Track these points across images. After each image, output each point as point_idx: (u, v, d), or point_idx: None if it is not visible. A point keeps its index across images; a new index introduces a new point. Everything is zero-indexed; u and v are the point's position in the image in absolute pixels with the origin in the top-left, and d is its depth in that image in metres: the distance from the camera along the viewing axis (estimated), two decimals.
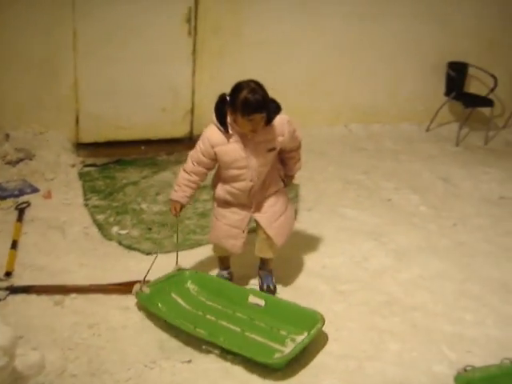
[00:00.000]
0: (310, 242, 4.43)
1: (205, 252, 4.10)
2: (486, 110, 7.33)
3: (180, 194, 3.56)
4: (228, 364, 3.08)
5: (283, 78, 6.54)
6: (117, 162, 5.88)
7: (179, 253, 3.76)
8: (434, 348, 3.36)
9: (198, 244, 4.33)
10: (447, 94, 7.27)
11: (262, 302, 3.48)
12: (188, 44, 6.19)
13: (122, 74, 6.03)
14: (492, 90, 7.21)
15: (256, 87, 3.22)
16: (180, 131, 6.47)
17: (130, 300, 3.52)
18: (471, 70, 7.44)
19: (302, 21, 6.64)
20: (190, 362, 3.08)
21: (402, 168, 6.05)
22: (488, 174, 6.07)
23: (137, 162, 5.89)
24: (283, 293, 3.74)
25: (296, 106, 6.73)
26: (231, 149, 3.40)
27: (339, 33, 6.87)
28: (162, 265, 3.65)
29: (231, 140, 3.38)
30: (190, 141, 6.18)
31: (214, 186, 3.67)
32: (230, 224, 3.61)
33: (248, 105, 3.18)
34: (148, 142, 6.29)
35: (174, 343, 3.22)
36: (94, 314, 3.42)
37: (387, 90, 7.26)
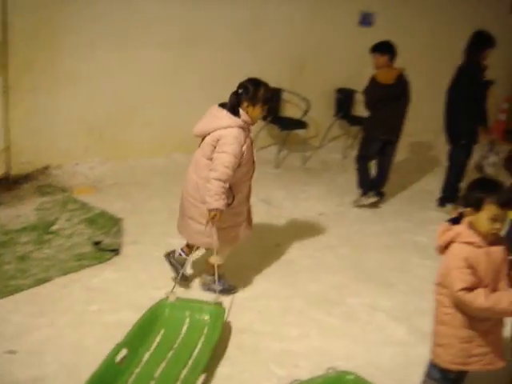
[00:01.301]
0: (135, 276, 4.34)
1: (26, 298, 3.90)
2: (301, 132, 7.65)
3: (222, 202, 3.74)
4: None
5: (99, 111, 6.43)
6: None
7: None
8: (262, 367, 3.43)
9: (20, 289, 4.09)
10: (264, 118, 7.51)
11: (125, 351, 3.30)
12: None
13: None
14: (305, 113, 7.56)
15: (265, 82, 3.96)
16: None
17: None
18: (285, 95, 7.77)
19: (116, 53, 6.55)
20: None
21: None
22: (306, 192, 6.34)
23: None
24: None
25: (115, 138, 6.67)
26: (249, 144, 3.90)
27: (155, 62, 6.84)
28: None
29: (247, 136, 3.86)
30: (7, 181, 5.85)
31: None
32: (242, 219, 4.08)
33: (269, 95, 3.91)
34: None
35: None
36: None
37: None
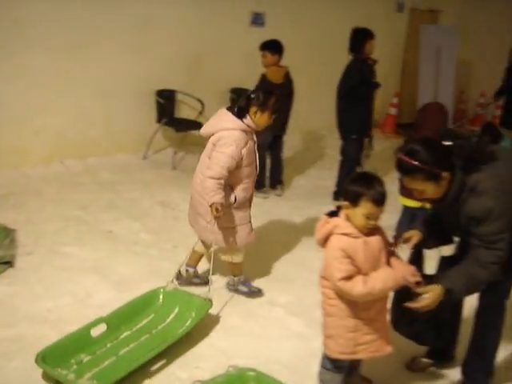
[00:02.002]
0: (31, 288, 4.22)
1: None
2: (197, 133, 7.59)
3: (219, 196, 3.88)
4: None
5: None
6: None
7: None
8: (164, 370, 3.41)
9: None
10: (159, 120, 7.47)
11: (104, 327, 3.57)
12: None
13: None
14: (200, 113, 7.58)
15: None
16: None
17: None
18: (179, 96, 7.75)
19: (1, 60, 6.34)
20: None
21: (121, 198, 6.07)
22: None
23: None
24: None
25: (4, 146, 6.45)
26: (250, 148, 4.01)
27: (43, 69, 6.67)
28: None
29: (249, 139, 3.98)
30: None
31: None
32: (249, 220, 4.21)
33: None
34: None
35: None
36: None
37: (100, 123, 7.27)
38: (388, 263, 2.85)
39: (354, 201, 2.70)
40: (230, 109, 4.09)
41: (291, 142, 8.92)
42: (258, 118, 4.01)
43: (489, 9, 11.86)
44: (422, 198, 2.87)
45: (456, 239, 3.23)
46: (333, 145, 7.39)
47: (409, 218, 5.30)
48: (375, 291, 2.68)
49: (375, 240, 2.78)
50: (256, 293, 4.36)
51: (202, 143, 7.42)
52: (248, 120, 3.99)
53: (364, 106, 6.19)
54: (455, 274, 2.84)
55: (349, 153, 6.38)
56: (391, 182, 6.61)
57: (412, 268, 2.85)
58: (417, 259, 3.06)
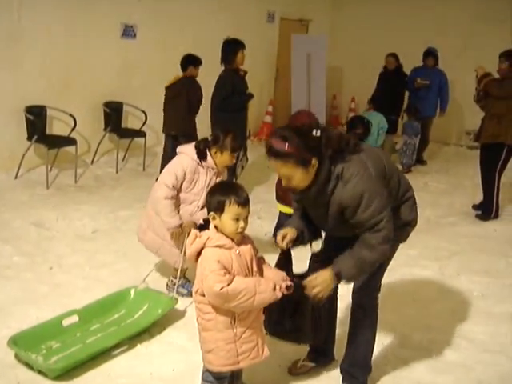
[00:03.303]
0: None
1: None
2: (71, 149, 7.44)
3: (176, 217, 4.21)
4: None
5: None
6: None
7: None
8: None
9: None
10: (30, 138, 7.20)
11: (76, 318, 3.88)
12: None
13: None
14: (73, 129, 7.40)
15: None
16: None
17: None
18: (50, 112, 7.51)
19: None
20: None
21: None
22: (80, 210, 6.19)
23: None
24: None
25: None
26: (197, 177, 4.30)
27: None
28: None
29: (197, 171, 4.28)
30: None
31: None
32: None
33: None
34: None
35: None
36: None
37: None
38: (260, 271, 2.89)
39: (218, 209, 2.73)
40: (196, 144, 4.30)
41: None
42: (218, 158, 4.23)
43: (356, 17, 12.36)
44: (289, 185, 2.87)
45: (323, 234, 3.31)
46: None
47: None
48: (259, 289, 2.70)
49: (247, 249, 2.82)
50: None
51: (77, 159, 7.38)
52: (210, 160, 4.23)
53: (238, 117, 6.28)
54: (344, 257, 2.91)
55: None
56: (267, 190, 6.86)
57: (282, 273, 2.91)
58: (286, 261, 3.11)
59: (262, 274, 2.92)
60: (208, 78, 6.63)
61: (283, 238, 3.08)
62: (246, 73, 6.38)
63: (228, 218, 2.73)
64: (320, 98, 10.58)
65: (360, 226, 2.86)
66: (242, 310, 2.76)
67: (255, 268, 2.85)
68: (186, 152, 4.27)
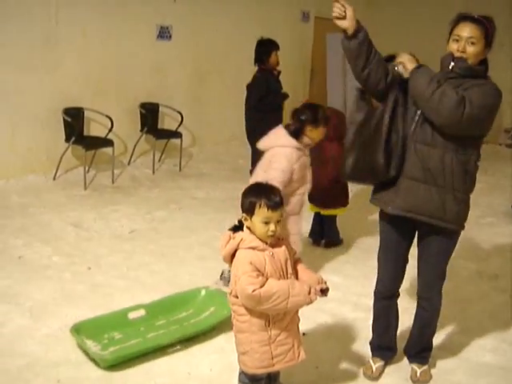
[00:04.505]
0: None
1: None
2: (108, 150, 7.52)
3: None
4: None
5: None
6: None
7: None
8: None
9: None
10: (67, 139, 7.30)
11: (143, 312, 3.99)
12: None
13: None
14: (110, 130, 7.48)
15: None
16: None
17: None
18: (87, 114, 7.61)
19: None
20: None
21: (32, 221, 5.89)
22: (117, 211, 6.27)
23: None
24: None
25: None
26: (302, 164, 4.31)
27: None
28: None
29: (302, 155, 4.29)
30: None
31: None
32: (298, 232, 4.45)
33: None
34: None
35: None
36: None
37: (5, 144, 7.01)
38: (295, 274, 2.88)
39: (250, 211, 2.73)
40: (287, 127, 4.43)
41: (203, 154, 8.99)
42: (313, 134, 4.38)
43: (392, 17, 12.27)
44: (464, 51, 3.05)
45: None
46: (246, 156, 7.41)
47: (319, 223, 5.63)
48: (293, 292, 2.68)
49: (281, 251, 2.80)
50: None
51: (114, 160, 7.46)
52: (306, 139, 4.35)
53: (273, 116, 6.27)
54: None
55: None
56: None
57: (317, 276, 2.90)
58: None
59: (297, 277, 2.91)
60: (243, 78, 6.64)
61: None
62: (279, 72, 6.37)
63: (258, 220, 2.72)
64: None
65: None
66: (276, 312, 2.74)
67: (290, 270, 2.83)
68: (284, 143, 4.31)
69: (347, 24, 2.97)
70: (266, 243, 2.76)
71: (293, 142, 4.30)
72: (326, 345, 3.86)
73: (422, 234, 3.32)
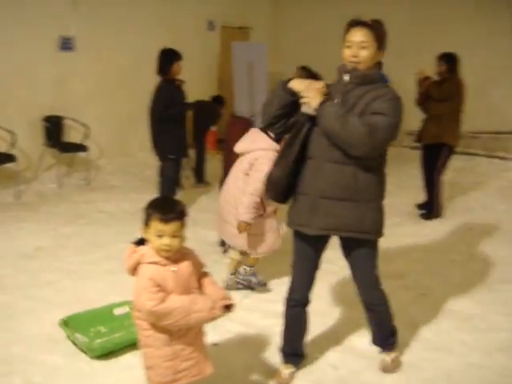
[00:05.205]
0: None
1: None
2: (10, 166, 7.28)
3: (250, 215, 4.38)
4: None
5: None
6: None
7: None
8: None
9: None
10: None
11: (127, 308, 4.11)
12: None
13: None
14: (12, 145, 7.25)
15: None
16: None
17: None
18: None
19: None
20: None
21: None
22: (22, 228, 6.09)
23: None
24: None
25: None
26: None
27: None
28: None
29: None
30: None
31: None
32: (276, 228, 4.63)
33: None
34: None
35: None
36: None
37: None
38: (202, 288, 2.84)
39: (146, 223, 2.68)
40: (263, 129, 4.46)
41: (112, 166, 8.83)
42: None
43: (298, 24, 12.48)
44: (357, 56, 3.14)
45: None
46: (154, 166, 7.32)
47: None
48: (195, 308, 2.64)
49: (184, 266, 2.74)
50: (263, 285, 4.82)
51: (17, 176, 7.21)
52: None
53: (178, 127, 6.26)
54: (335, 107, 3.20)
55: (167, 173, 6.41)
56: (213, 199, 6.86)
57: (223, 292, 2.85)
58: None
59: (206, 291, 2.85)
60: (150, 88, 6.55)
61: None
62: (182, 82, 6.35)
63: (152, 233, 2.66)
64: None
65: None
66: (178, 328, 2.69)
67: (194, 285, 2.78)
68: (266, 147, 4.37)
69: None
70: (168, 258, 2.70)
71: (273, 144, 4.35)
72: (238, 354, 3.84)
73: (345, 246, 3.43)
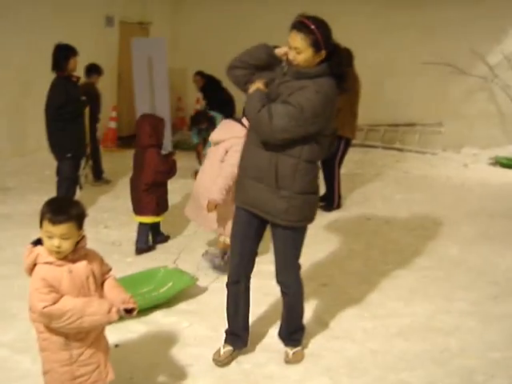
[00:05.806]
0: None
1: None
2: None
3: (221, 196, 4.67)
4: None
5: None
6: None
7: None
8: None
9: None
10: None
11: None
12: None
13: None
14: None
15: None
16: None
17: None
18: None
19: None
20: None
21: None
22: None
23: None
24: None
25: None
26: None
27: None
28: None
29: None
30: None
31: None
32: None
33: None
34: None
35: None
36: None
37: None
38: (102, 291, 2.78)
39: (40, 223, 2.61)
40: (235, 119, 4.91)
41: (8, 167, 8.53)
42: None
43: (197, 19, 12.48)
44: (294, 60, 3.25)
45: None
46: (53, 166, 7.10)
47: (145, 233, 5.61)
48: (88, 311, 2.57)
49: (82, 267, 2.67)
50: (222, 267, 5.00)
51: None
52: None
53: (75, 124, 6.12)
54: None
55: (64, 172, 6.25)
56: (113, 198, 6.77)
57: (125, 295, 2.79)
58: None
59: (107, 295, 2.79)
60: (46, 85, 6.35)
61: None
62: (78, 78, 6.20)
63: (43, 234, 2.60)
64: (164, 100, 10.45)
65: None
66: (72, 331, 2.62)
67: (92, 287, 2.71)
68: (240, 135, 4.37)
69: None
70: (64, 259, 2.63)
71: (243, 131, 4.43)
72: (140, 354, 3.81)
73: (271, 227, 3.57)
